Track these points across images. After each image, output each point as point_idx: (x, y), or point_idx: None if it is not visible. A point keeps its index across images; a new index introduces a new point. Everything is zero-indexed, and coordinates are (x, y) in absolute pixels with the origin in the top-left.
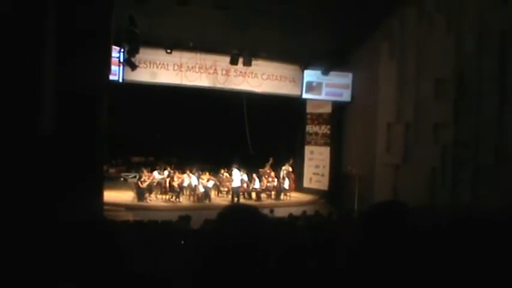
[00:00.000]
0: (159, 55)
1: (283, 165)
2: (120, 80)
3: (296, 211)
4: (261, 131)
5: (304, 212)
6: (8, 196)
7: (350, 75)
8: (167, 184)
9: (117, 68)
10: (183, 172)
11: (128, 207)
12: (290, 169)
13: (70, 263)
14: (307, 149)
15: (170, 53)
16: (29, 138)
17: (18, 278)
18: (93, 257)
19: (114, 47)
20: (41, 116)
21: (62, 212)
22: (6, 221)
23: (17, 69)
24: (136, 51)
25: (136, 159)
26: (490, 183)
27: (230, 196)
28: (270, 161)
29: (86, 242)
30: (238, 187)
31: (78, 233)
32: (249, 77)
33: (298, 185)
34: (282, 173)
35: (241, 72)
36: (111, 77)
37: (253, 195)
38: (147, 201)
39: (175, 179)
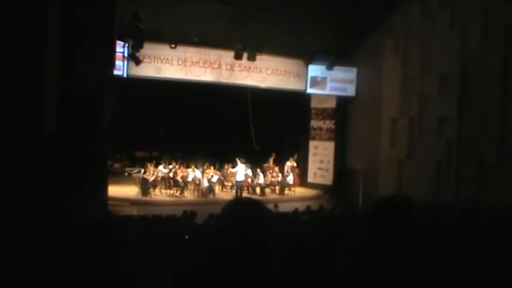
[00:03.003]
0: (163, 50)
1: (288, 160)
2: (125, 75)
3: (300, 206)
4: (265, 126)
5: (309, 206)
6: (12, 192)
7: (354, 70)
8: (171, 179)
9: (122, 63)
10: (188, 167)
11: (133, 202)
12: (294, 164)
13: (75, 259)
14: (312, 143)
15: (174, 47)
16: (34, 135)
17: (25, 275)
18: (98, 253)
19: (118, 41)
20: (46, 112)
21: (66, 207)
22: (10, 218)
23: (21, 67)
24: (141, 46)
25: (140, 154)
26: (493, 178)
27: (234, 191)
28: (273, 156)
29: (90, 238)
30: (242, 181)
31: (83, 229)
32: (253, 71)
33: (302, 180)
34: (286, 167)
35: (245, 67)
36: (116, 72)
37: (258, 190)
38: (151, 196)
39: (179, 173)
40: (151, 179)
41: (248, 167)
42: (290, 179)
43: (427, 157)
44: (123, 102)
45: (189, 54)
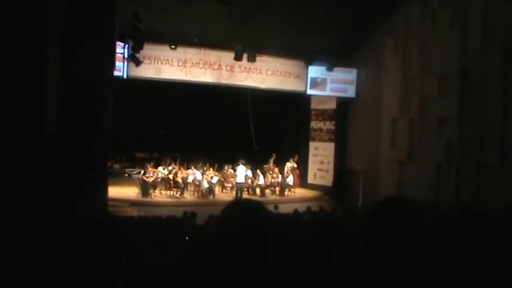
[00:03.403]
0: (164, 51)
1: (288, 161)
2: (125, 76)
3: (300, 207)
4: (265, 127)
5: (309, 208)
6: (13, 192)
7: (355, 71)
8: (171, 180)
9: (122, 64)
10: (188, 168)
11: (133, 203)
12: (295, 165)
13: (75, 259)
14: (312, 145)
15: (174, 48)
16: (35, 135)
17: (26, 274)
18: (98, 253)
19: (118, 42)
20: (46, 113)
21: (67, 208)
22: (11, 218)
23: (21, 67)
24: (141, 47)
25: (140, 155)
26: (493, 178)
27: (234, 192)
28: (273, 157)
29: (91, 238)
30: (242, 182)
31: (83, 229)
32: (253, 72)
33: (302, 181)
34: (286, 168)
35: (245, 68)
36: (116, 73)
37: (258, 191)
38: (151, 197)
39: (179, 174)
40: (151, 180)
41: (248, 168)
42: (290, 180)
43: (427, 158)
44: (123, 103)
45: (189, 55)
